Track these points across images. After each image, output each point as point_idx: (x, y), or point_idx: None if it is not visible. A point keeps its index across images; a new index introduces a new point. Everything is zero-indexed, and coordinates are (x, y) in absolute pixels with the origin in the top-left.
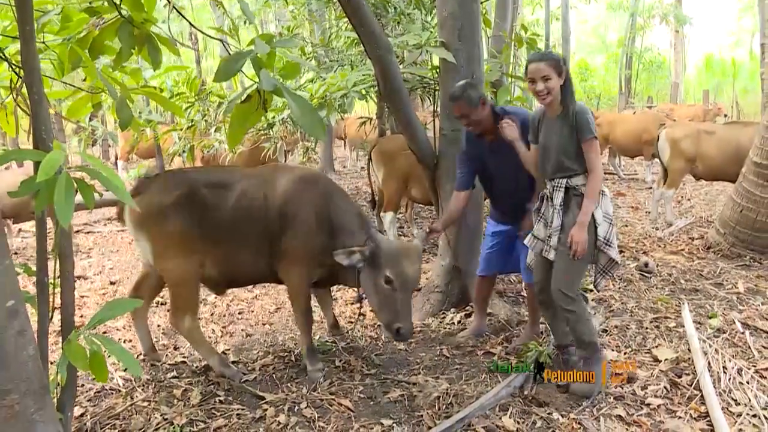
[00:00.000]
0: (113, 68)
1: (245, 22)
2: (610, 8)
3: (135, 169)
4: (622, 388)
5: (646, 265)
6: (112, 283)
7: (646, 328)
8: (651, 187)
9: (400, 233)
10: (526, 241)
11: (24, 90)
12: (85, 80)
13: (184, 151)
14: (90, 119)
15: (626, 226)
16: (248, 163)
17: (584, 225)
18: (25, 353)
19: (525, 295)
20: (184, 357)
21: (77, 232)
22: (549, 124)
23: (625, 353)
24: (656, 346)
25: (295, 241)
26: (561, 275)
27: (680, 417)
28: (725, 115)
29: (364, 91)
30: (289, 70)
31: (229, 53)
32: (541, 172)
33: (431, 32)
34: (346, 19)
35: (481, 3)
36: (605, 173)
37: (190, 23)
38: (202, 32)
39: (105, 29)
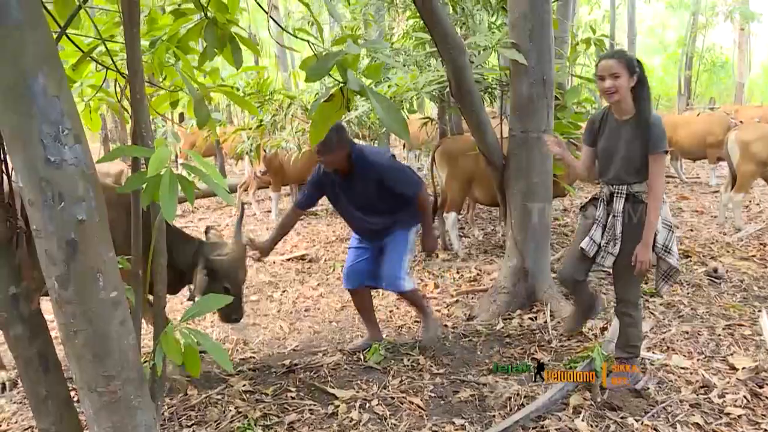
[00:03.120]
0: (197, 68)
1: (309, 23)
2: (669, 7)
3: None
4: (697, 395)
5: (716, 270)
6: None
7: (719, 335)
8: (717, 191)
9: (461, 234)
10: (583, 244)
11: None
12: (164, 78)
13: (251, 150)
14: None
15: (692, 230)
16: (309, 162)
17: (649, 245)
18: (127, 342)
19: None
20: (253, 352)
21: None
22: (614, 128)
23: (698, 360)
24: (731, 354)
25: None
26: (627, 284)
27: (766, 429)
28: None
29: (435, 92)
30: (372, 70)
31: (315, 54)
32: (600, 176)
33: (502, 33)
34: (409, 21)
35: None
36: (667, 176)
37: (281, 27)
38: (291, 34)
39: (190, 30)
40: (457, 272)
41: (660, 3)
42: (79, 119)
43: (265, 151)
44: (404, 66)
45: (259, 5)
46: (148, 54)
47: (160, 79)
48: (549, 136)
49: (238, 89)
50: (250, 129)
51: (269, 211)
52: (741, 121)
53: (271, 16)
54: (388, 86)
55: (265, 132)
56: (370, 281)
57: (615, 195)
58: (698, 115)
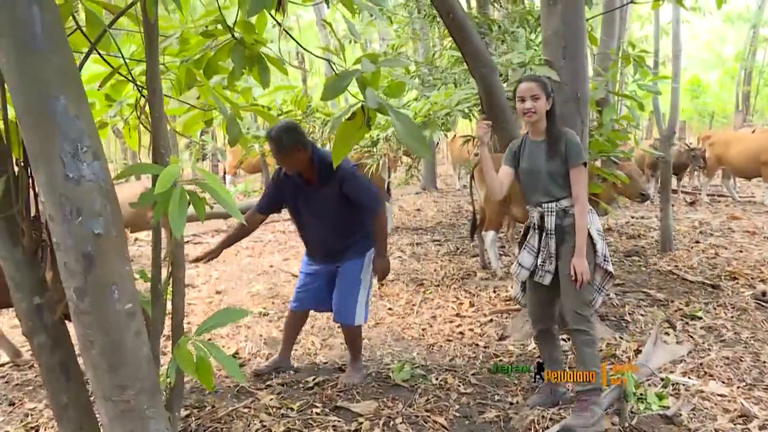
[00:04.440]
0: (226, 87)
1: (350, 41)
2: (727, 20)
3: (243, 183)
4: (734, 424)
5: (764, 294)
6: (218, 292)
7: (764, 362)
8: None
9: (501, 252)
10: (512, 270)
11: (146, 108)
12: (198, 98)
13: None
14: (201, 135)
15: (741, 251)
16: None
17: (583, 254)
18: (141, 353)
19: (628, 319)
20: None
21: (186, 242)
22: (533, 148)
23: (738, 387)
24: None
25: None
26: (573, 298)
27: None
28: None
29: (467, 110)
30: (393, 88)
31: (335, 72)
32: (528, 199)
33: (536, 50)
34: (450, 38)
35: (587, 20)
36: (719, 195)
37: (298, 43)
38: (309, 52)
39: (219, 50)
40: (494, 291)
41: (716, 16)
42: (98, 137)
43: None
44: (444, 84)
45: (275, 20)
46: (174, 74)
47: (191, 97)
48: (481, 122)
49: (270, 108)
50: None
51: None
52: None
53: (285, 30)
54: (423, 104)
55: None
56: (321, 306)
57: (545, 214)
58: (753, 131)
